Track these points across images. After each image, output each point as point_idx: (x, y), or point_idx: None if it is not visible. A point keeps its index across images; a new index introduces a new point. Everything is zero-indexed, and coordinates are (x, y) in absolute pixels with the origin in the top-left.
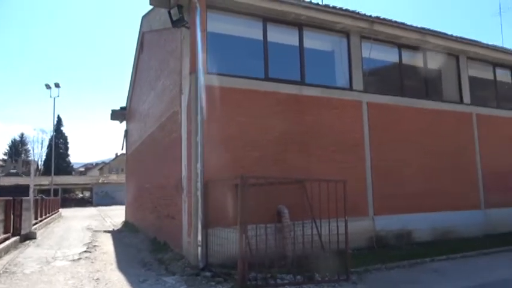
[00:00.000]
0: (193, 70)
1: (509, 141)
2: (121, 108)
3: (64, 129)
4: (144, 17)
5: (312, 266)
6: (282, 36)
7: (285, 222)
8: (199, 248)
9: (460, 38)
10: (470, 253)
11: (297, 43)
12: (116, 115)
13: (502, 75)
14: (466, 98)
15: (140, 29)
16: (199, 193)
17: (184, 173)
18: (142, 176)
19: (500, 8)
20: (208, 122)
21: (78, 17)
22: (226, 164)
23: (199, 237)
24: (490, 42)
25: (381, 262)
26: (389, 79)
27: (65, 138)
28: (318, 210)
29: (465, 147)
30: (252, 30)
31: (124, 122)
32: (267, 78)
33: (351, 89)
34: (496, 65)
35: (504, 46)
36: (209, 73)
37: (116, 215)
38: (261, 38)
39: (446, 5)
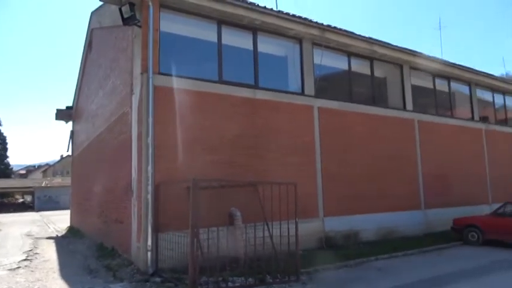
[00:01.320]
0: (145, 70)
1: (446, 146)
2: (67, 107)
3: (2, 128)
4: (93, 12)
5: (264, 268)
6: (237, 40)
7: (237, 224)
8: (149, 253)
9: (404, 48)
10: (411, 251)
11: (251, 47)
12: (62, 115)
13: (441, 85)
14: (409, 105)
15: (89, 25)
16: (149, 196)
17: (134, 175)
18: (90, 179)
19: (440, 23)
20: (160, 123)
21: (21, 10)
22: (178, 167)
23: (149, 242)
24: (431, 54)
25: (329, 262)
26: (339, 85)
27: (3, 139)
28: (270, 213)
29: (408, 151)
30: (206, 32)
31: (70, 122)
32: (221, 81)
33: (303, 93)
34: (435, 75)
35: (443, 58)
36: (161, 73)
37: (60, 220)
38: (216, 40)
39: (394, 17)
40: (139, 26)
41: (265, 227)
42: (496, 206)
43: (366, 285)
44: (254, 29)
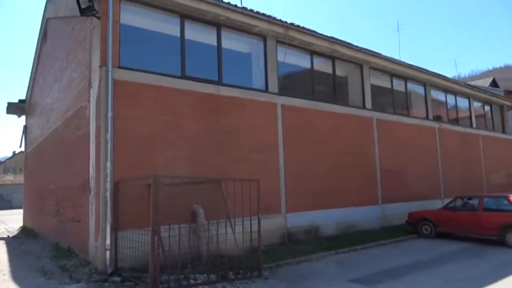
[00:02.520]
0: (104, 63)
1: (402, 144)
2: (20, 101)
3: None
4: (48, 1)
5: (226, 264)
6: (200, 35)
7: (200, 222)
8: (108, 252)
9: (364, 49)
10: (369, 244)
11: (215, 43)
12: (13, 108)
13: (398, 84)
14: (368, 103)
15: (44, 15)
16: (108, 194)
17: (92, 172)
18: (44, 176)
19: (398, 26)
20: (120, 118)
21: None
22: (139, 163)
23: (108, 241)
24: (389, 55)
25: (291, 257)
26: (302, 83)
27: None
28: (233, 209)
29: (367, 149)
30: (169, 27)
31: (23, 117)
32: (184, 76)
33: (266, 91)
34: (393, 75)
35: (400, 59)
36: (121, 67)
37: (12, 220)
38: (178, 35)
39: (357, 19)
40: (98, 18)
41: (228, 224)
42: (447, 200)
43: (326, 279)
44: (218, 25)
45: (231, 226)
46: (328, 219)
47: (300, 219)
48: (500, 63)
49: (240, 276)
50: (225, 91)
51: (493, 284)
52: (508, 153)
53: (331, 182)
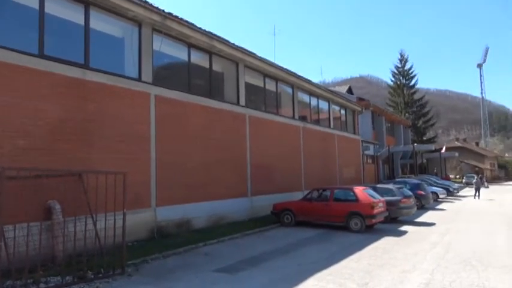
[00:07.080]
0: None
1: (271, 140)
2: None
3: None
4: None
5: (85, 264)
6: (65, 11)
7: (56, 219)
8: None
9: (240, 47)
10: (236, 235)
11: (82, 22)
12: None
13: (270, 84)
14: (242, 100)
15: None
16: None
17: None
18: None
19: (274, 29)
20: None
21: None
22: None
23: None
24: (265, 56)
25: (158, 251)
26: (178, 75)
27: None
28: (95, 204)
29: (239, 143)
30: None
31: None
32: (42, 56)
33: (139, 79)
34: (266, 75)
35: (275, 61)
36: None
37: None
38: (37, 7)
39: (236, 21)
40: None
41: (90, 220)
42: (307, 192)
43: (192, 271)
44: (87, 3)
45: (93, 222)
46: (200, 211)
47: (171, 213)
48: (356, 73)
49: (100, 275)
50: (92, 76)
51: (336, 264)
52: (357, 151)
53: (204, 175)
